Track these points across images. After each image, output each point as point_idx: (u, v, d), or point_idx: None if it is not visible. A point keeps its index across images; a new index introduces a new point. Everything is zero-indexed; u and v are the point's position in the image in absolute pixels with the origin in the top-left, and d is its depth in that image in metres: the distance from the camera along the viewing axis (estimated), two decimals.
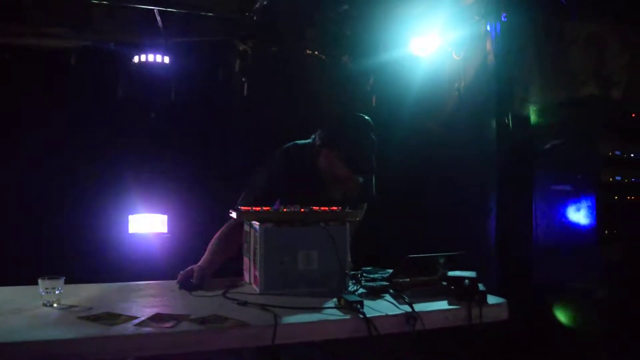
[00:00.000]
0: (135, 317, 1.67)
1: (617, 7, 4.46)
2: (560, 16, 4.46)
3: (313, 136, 2.39)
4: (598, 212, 3.69)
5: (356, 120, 2.37)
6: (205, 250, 2.38)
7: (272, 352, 2.33)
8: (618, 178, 3.78)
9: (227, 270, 2.41)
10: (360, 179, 2.37)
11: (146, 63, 4.70)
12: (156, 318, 1.67)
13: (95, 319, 1.67)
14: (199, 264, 2.29)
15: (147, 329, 1.57)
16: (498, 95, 4.26)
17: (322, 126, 2.37)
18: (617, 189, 3.78)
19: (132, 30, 4.67)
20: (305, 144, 2.45)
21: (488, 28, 4.28)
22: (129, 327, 1.59)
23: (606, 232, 3.71)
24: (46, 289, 1.83)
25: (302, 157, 2.40)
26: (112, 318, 1.67)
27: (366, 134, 2.33)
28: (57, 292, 1.84)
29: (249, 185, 2.43)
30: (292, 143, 2.48)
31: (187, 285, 2.15)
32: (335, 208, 2.20)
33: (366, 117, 2.36)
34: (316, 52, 4.81)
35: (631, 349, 3.68)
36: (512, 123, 4.26)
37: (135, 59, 4.68)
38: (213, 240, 2.38)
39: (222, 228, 2.41)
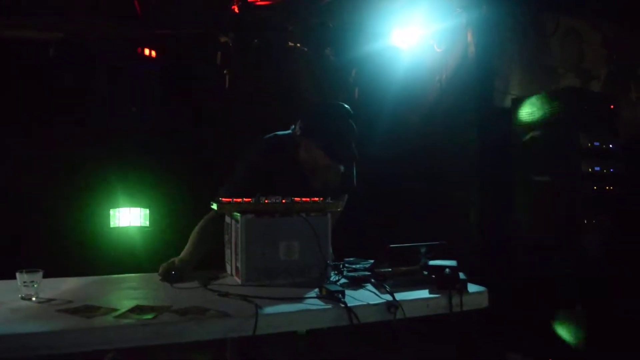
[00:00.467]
0: (115, 310, 1.66)
1: (596, 2, 4.51)
2: (540, 10, 4.51)
3: (292, 126, 2.38)
4: (577, 203, 3.75)
5: (335, 109, 2.36)
6: (186, 243, 2.37)
7: (255, 343, 2.34)
8: (597, 169, 3.84)
9: (209, 262, 2.41)
10: (342, 168, 2.37)
11: (127, 56, 4.64)
12: (136, 310, 1.66)
13: (75, 311, 1.65)
14: (180, 256, 2.28)
15: (127, 321, 1.56)
16: (479, 87, 4.30)
17: (301, 116, 2.36)
18: (597, 180, 3.84)
19: (112, 22, 4.62)
20: (285, 134, 2.44)
21: (469, 21, 4.31)
22: (108, 319, 1.58)
23: (585, 222, 3.76)
24: (24, 282, 1.81)
25: (282, 148, 2.39)
26: (91, 311, 1.66)
27: (345, 122, 2.32)
28: (35, 285, 1.82)
29: (229, 178, 2.42)
30: (271, 134, 2.47)
31: (168, 277, 2.14)
32: (317, 199, 2.19)
33: (345, 106, 2.36)
34: (298, 45, 4.79)
35: (610, 337, 3.75)
36: (493, 115, 4.30)
37: (116, 52, 4.62)
38: (194, 233, 2.37)
39: (202, 220, 2.40)
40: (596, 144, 3.85)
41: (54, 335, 1.49)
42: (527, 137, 3.99)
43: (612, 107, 4.10)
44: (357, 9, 4.62)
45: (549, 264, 3.83)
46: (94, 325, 1.54)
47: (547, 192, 3.87)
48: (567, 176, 3.78)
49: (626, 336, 3.90)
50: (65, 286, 2.03)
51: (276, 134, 2.47)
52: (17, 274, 1.82)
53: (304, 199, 2.16)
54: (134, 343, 1.53)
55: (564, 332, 3.71)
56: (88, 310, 1.66)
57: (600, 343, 3.71)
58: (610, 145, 3.92)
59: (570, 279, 3.71)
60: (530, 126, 3.98)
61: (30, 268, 1.83)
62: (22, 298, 1.80)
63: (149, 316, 1.60)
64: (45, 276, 1.86)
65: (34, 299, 1.81)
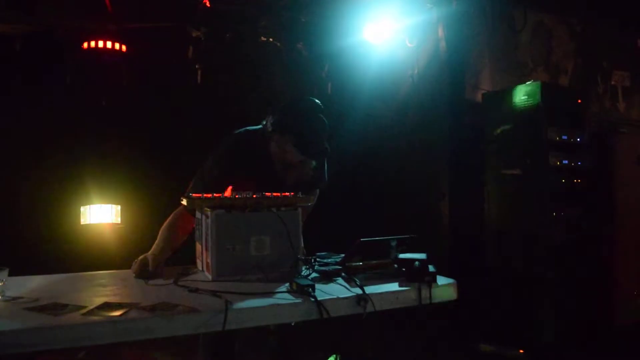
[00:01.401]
0: (84, 307, 1.64)
1: None
2: (509, 5, 4.56)
3: (264, 122, 2.38)
4: (546, 195, 3.82)
5: (306, 104, 2.35)
6: (158, 231, 2.35)
7: (226, 339, 2.34)
8: (565, 162, 3.91)
9: (180, 258, 2.40)
10: (313, 163, 2.37)
11: (96, 49, 4.57)
12: (104, 307, 1.65)
13: (42, 309, 1.63)
14: (150, 252, 2.26)
15: (95, 318, 1.55)
16: (450, 81, 4.35)
17: (272, 111, 2.36)
18: (564, 172, 3.92)
19: (80, 15, 4.54)
20: (256, 129, 2.43)
21: (440, 16, 4.34)
22: (76, 317, 1.56)
23: (554, 214, 3.84)
24: None
25: (253, 143, 2.38)
26: (58, 308, 1.64)
27: (316, 117, 2.31)
28: (0, 283, 1.78)
29: (198, 173, 2.41)
30: (243, 129, 2.46)
31: (143, 274, 2.12)
32: (287, 194, 2.20)
33: (316, 100, 2.35)
34: (271, 39, 4.76)
35: (577, 328, 3.84)
36: (464, 109, 4.35)
37: (85, 45, 4.55)
38: (163, 228, 2.35)
39: (172, 215, 2.39)
40: (564, 137, 3.93)
41: (21, 333, 1.46)
42: (497, 130, 4.05)
43: (579, 101, 4.18)
44: (329, 4, 4.61)
45: (518, 255, 3.90)
46: (61, 323, 1.52)
47: (516, 185, 3.93)
48: (536, 169, 3.85)
49: (593, 326, 4.00)
50: (33, 284, 2.00)
51: (247, 129, 2.46)
52: None
53: (275, 194, 2.16)
54: (103, 340, 1.52)
55: (534, 322, 3.79)
56: (55, 308, 1.64)
57: (568, 333, 3.80)
58: (578, 139, 4.01)
59: (539, 271, 3.78)
60: (500, 120, 4.04)
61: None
62: None
63: (117, 313, 1.58)
64: (12, 274, 1.83)
65: None
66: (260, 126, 2.42)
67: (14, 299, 1.77)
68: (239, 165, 2.33)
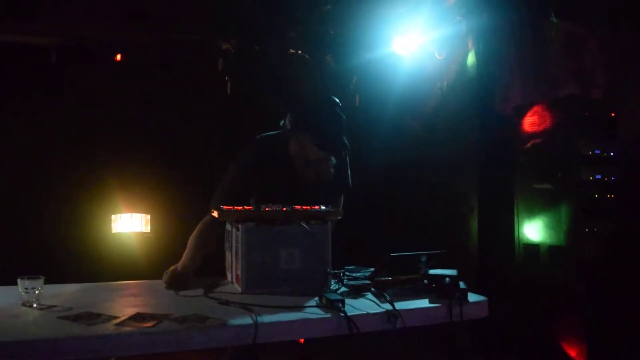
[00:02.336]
0: (116, 317, 1.67)
1: (594, 9, 4.52)
2: (539, 17, 4.51)
3: (282, 122, 2.40)
4: (578, 210, 3.75)
5: (324, 102, 2.36)
6: (187, 241, 2.38)
7: (251, 349, 2.34)
8: (598, 176, 3.83)
9: (209, 268, 2.42)
10: (333, 160, 2.36)
11: (129, 61, 4.66)
12: (137, 317, 1.67)
13: (75, 318, 1.66)
14: (181, 262, 2.28)
15: (127, 329, 1.57)
16: (479, 94, 4.31)
17: (291, 111, 2.37)
18: (597, 187, 3.84)
19: (113, 27, 4.63)
20: (275, 134, 2.45)
21: (469, 28, 4.32)
22: (109, 327, 1.58)
23: (586, 229, 3.76)
24: (25, 289, 1.81)
25: (274, 146, 2.39)
26: (92, 318, 1.66)
27: (335, 113, 2.31)
28: (36, 292, 1.82)
29: (222, 182, 2.43)
30: (262, 135, 2.48)
31: (174, 285, 2.15)
32: (317, 207, 2.20)
33: (335, 98, 2.36)
34: (299, 52, 4.80)
35: (608, 345, 3.74)
36: (494, 123, 4.30)
37: (118, 57, 4.64)
38: (192, 237, 2.38)
39: (199, 225, 2.41)
40: (597, 151, 3.85)
41: (55, 343, 1.49)
42: (528, 145, 3.99)
43: (612, 114, 4.10)
44: (358, 16, 4.63)
45: (549, 272, 3.82)
46: (94, 333, 1.54)
47: (547, 200, 3.87)
48: (567, 184, 3.78)
49: (626, 342, 3.89)
50: (66, 292, 2.04)
51: (267, 134, 2.48)
52: (19, 281, 1.82)
53: (304, 207, 2.17)
54: (134, 351, 1.54)
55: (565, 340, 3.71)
56: (89, 318, 1.66)
57: (601, 350, 3.71)
58: (611, 153, 3.93)
59: (571, 288, 3.71)
60: (531, 134, 3.99)
61: (31, 274, 1.83)
62: (23, 305, 1.81)
63: (149, 324, 1.60)
64: (46, 282, 1.87)
65: (35, 305, 1.81)
66: (278, 131, 2.43)
67: (49, 307, 1.81)
68: (261, 169, 2.34)
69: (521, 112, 4.13)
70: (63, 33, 4.54)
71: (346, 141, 2.33)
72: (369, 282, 2.10)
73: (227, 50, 4.76)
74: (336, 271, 2.24)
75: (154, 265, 4.16)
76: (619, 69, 4.98)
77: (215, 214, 2.18)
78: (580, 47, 4.80)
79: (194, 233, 2.40)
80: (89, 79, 4.71)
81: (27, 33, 4.51)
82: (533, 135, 3.97)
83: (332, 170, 2.39)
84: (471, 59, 4.36)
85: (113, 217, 4.72)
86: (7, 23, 4.36)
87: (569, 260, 3.73)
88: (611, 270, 3.84)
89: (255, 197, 2.37)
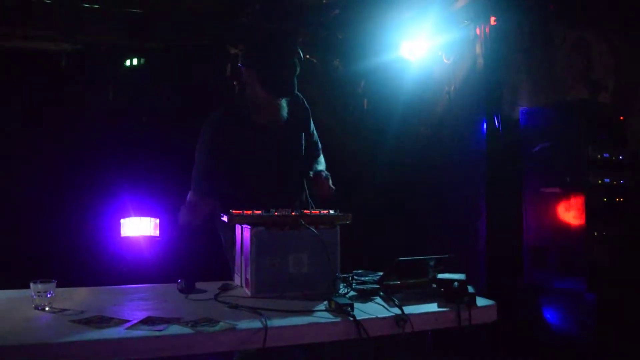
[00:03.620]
0: (127, 321, 1.68)
1: (603, 12, 4.51)
2: (547, 21, 4.51)
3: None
4: (586, 214, 3.73)
5: (280, 42, 2.34)
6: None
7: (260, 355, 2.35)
8: (607, 180, 3.83)
9: (216, 273, 2.44)
10: (284, 104, 2.40)
11: (137, 66, 4.70)
12: (147, 321, 1.68)
13: (87, 322, 1.67)
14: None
15: (138, 332, 1.58)
16: (487, 98, 4.30)
17: (245, 45, 2.39)
18: (606, 191, 3.83)
19: (123, 33, 4.67)
20: (230, 100, 2.57)
21: (477, 32, 4.32)
22: (120, 331, 1.60)
23: (595, 233, 3.75)
24: (38, 292, 1.83)
25: (231, 113, 2.45)
26: (104, 321, 1.68)
27: (287, 57, 2.30)
28: (48, 295, 1.84)
29: (194, 170, 2.50)
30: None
31: (183, 287, 2.17)
32: (327, 211, 2.21)
33: (294, 44, 2.37)
34: (307, 56, 4.82)
35: (618, 349, 3.72)
36: (501, 126, 4.30)
37: (127, 63, 4.68)
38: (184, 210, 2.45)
39: (184, 206, 2.50)
40: (605, 155, 3.84)
41: (67, 346, 1.50)
42: (536, 148, 3.99)
43: (621, 118, 4.09)
44: (366, 21, 4.64)
45: (557, 275, 3.81)
46: (106, 337, 1.55)
47: (555, 203, 3.86)
48: (576, 187, 3.77)
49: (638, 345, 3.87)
50: (78, 296, 2.06)
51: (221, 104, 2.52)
52: (31, 284, 1.84)
53: (313, 212, 2.18)
54: (145, 355, 1.55)
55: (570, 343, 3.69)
56: (101, 321, 1.68)
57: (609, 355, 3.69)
58: (620, 157, 3.92)
59: (579, 291, 3.69)
60: (539, 138, 3.98)
61: (44, 278, 1.85)
62: (36, 308, 1.83)
63: (160, 328, 1.61)
64: (57, 286, 1.89)
65: (47, 309, 1.83)
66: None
67: (61, 310, 1.83)
68: (226, 140, 2.38)
69: (529, 116, 4.13)
70: (74, 39, 4.58)
71: (294, 87, 2.34)
72: (378, 286, 2.11)
73: (236, 55, 4.79)
74: (344, 275, 2.25)
75: (162, 269, 4.20)
76: (627, 73, 4.97)
77: (225, 218, 2.19)
78: (588, 51, 4.79)
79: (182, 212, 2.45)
80: (99, 84, 4.75)
81: (37, 39, 4.56)
82: (541, 139, 3.97)
83: (284, 115, 2.42)
84: (479, 63, 4.36)
85: (122, 220, 4.75)
86: (19, 29, 4.41)
87: (577, 265, 3.72)
88: (620, 274, 3.83)
89: (228, 164, 2.41)
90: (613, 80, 4.92)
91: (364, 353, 1.87)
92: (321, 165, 2.69)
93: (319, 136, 2.74)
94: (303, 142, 2.60)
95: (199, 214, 2.43)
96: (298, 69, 2.34)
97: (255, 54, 2.33)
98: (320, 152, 2.75)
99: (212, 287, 2.19)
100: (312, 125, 2.66)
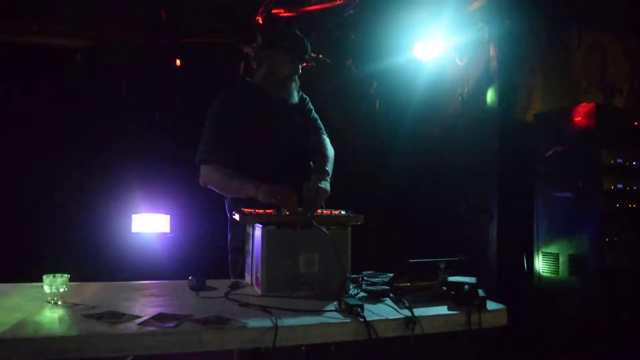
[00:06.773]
0: (139, 317, 1.69)
1: (618, 16, 4.48)
2: (563, 24, 4.49)
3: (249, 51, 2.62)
4: (599, 220, 3.71)
5: (287, 28, 2.61)
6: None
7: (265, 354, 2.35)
8: (620, 186, 3.80)
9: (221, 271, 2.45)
10: (297, 82, 2.60)
11: (151, 63, 4.72)
12: (159, 317, 1.69)
13: (99, 317, 1.69)
14: (256, 188, 2.29)
15: (150, 328, 1.59)
16: (501, 101, 4.29)
17: (257, 38, 2.58)
18: (619, 197, 3.80)
19: (137, 30, 4.70)
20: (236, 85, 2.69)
21: (491, 34, 4.30)
22: (132, 326, 1.61)
23: (607, 239, 3.72)
24: (50, 286, 1.85)
25: (238, 93, 2.60)
26: (115, 317, 1.69)
27: (299, 34, 2.56)
28: (61, 289, 1.86)
29: (202, 136, 2.57)
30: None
31: (195, 285, 2.18)
32: (338, 211, 2.21)
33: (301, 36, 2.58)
34: (320, 56, 4.83)
35: (628, 355, 3.69)
36: (514, 129, 4.28)
37: (140, 59, 4.71)
38: (228, 180, 2.46)
39: (215, 176, 2.54)
40: (619, 160, 3.81)
41: (79, 340, 1.52)
42: (549, 152, 3.97)
43: (635, 123, 4.06)
44: (379, 22, 4.64)
45: (569, 281, 3.79)
46: (118, 332, 1.57)
47: (568, 208, 3.84)
48: (588, 193, 3.75)
49: None
50: (91, 291, 2.08)
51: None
52: (44, 278, 1.86)
53: (325, 212, 2.18)
54: (156, 350, 1.56)
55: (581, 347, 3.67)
56: (113, 317, 1.69)
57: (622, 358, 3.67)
58: (634, 162, 3.88)
59: (591, 296, 3.67)
60: (553, 142, 3.96)
61: (56, 272, 1.87)
62: (48, 302, 1.85)
63: (171, 324, 1.62)
64: (69, 280, 1.90)
65: (59, 302, 1.85)
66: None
67: (74, 305, 1.84)
68: (231, 113, 2.51)
69: (542, 120, 4.10)
70: (90, 35, 4.61)
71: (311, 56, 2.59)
72: (388, 287, 2.11)
73: (249, 54, 4.80)
74: (355, 276, 2.25)
75: (173, 265, 4.22)
76: None
77: (236, 216, 2.19)
78: (603, 54, 4.76)
79: (224, 178, 2.47)
80: (112, 80, 4.78)
81: (52, 34, 4.60)
82: (554, 143, 3.95)
83: (295, 96, 2.62)
84: (493, 65, 4.34)
85: (133, 216, 4.78)
86: (34, 25, 4.45)
87: (589, 270, 3.70)
88: (632, 280, 3.80)
89: (236, 136, 2.48)
90: (628, 84, 4.88)
91: (369, 353, 1.87)
92: (328, 160, 2.63)
93: (330, 136, 2.75)
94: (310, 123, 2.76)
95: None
96: (309, 49, 2.58)
97: (277, 33, 2.58)
98: (324, 133, 2.78)
99: (222, 284, 2.20)
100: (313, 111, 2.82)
